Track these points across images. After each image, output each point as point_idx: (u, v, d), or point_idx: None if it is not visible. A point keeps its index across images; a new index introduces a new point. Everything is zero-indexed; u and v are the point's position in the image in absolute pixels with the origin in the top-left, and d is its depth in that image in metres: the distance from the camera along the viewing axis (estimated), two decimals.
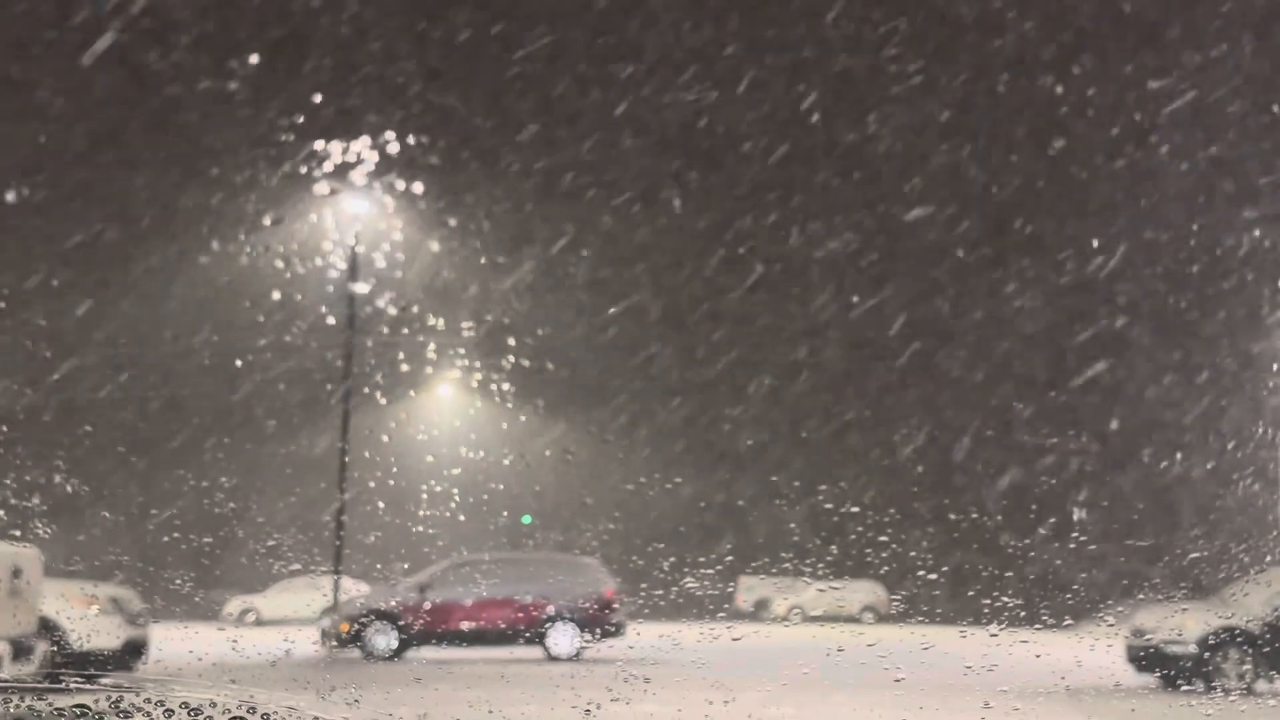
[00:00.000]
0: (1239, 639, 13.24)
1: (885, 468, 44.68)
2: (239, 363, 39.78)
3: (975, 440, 40.93)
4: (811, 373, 45.60)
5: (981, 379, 41.20)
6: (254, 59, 36.36)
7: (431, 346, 42.63)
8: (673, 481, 46.46)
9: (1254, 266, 28.80)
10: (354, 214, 22.61)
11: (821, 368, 45.49)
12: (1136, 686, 13.92)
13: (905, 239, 41.35)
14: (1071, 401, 38.31)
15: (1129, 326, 36.30)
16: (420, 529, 40.49)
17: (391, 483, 41.45)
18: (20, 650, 8.68)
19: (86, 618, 11.74)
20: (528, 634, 17.66)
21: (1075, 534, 39.12)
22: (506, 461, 44.22)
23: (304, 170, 35.12)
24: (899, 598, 41.11)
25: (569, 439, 45.31)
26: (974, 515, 41.90)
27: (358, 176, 23.93)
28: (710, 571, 48.52)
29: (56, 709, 4.87)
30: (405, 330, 41.68)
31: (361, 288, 22.91)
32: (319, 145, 37.69)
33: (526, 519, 44.99)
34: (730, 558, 47.16)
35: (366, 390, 32.89)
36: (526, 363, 44.17)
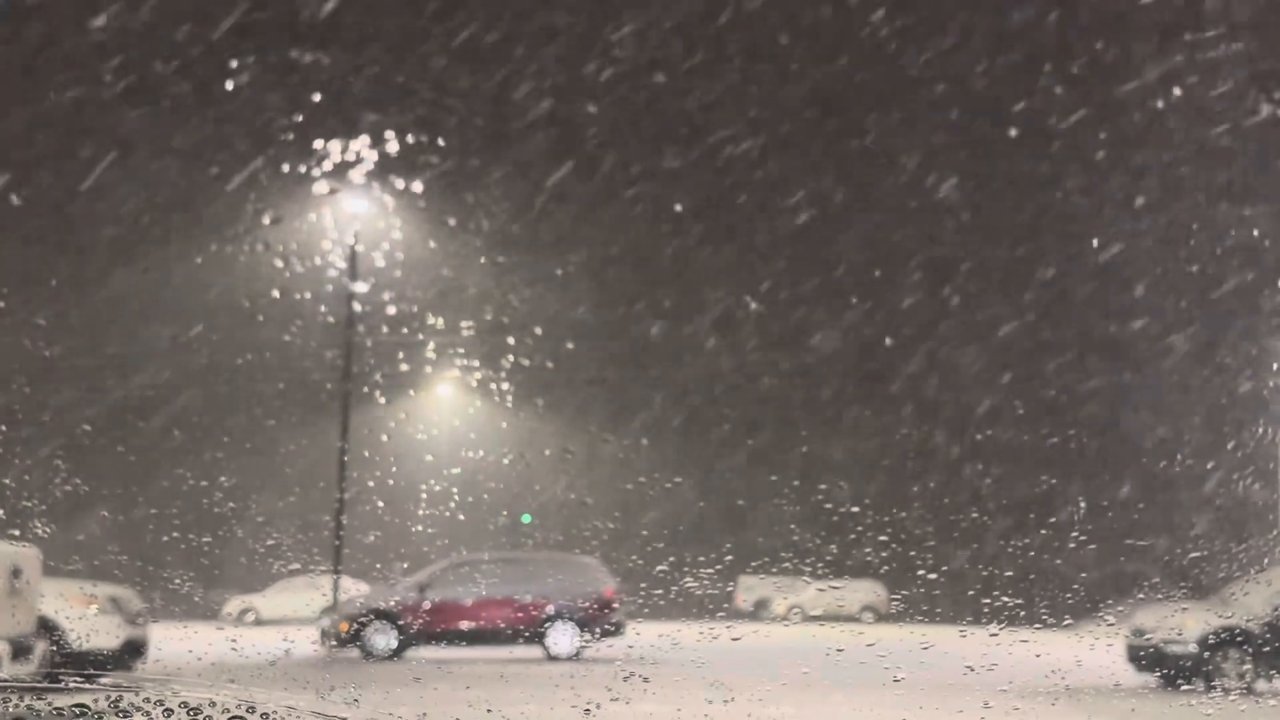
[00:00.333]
0: (1239, 638, 13.24)
1: (886, 467, 44.71)
2: (238, 362, 39.79)
3: (975, 439, 40.96)
4: (812, 372, 45.61)
5: (981, 379, 41.21)
6: (253, 57, 36.35)
7: (431, 346, 42.63)
8: (672, 481, 46.45)
9: (1254, 265, 28.80)
10: (353, 213, 22.61)
11: (822, 367, 45.50)
12: (1136, 686, 13.92)
13: (907, 235, 41.35)
14: (1071, 401, 38.32)
15: (1129, 326, 36.31)
16: (420, 529, 40.45)
17: (391, 482, 41.43)
18: (19, 650, 8.67)
19: (86, 617, 11.73)
20: (527, 633, 17.66)
21: (1075, 534, 39.13)
22: (506, 461, 44.20)
23: (303, 169, 35.12)
24: (899, 597, 41.13)
25: (569, 439, 45.33)
26: (974, 515, 41.91)
27: (357, 176, 23.91)
28: (710, 571, 48.46)
29: (56, 708, 4.87)
30: (405, 330, 41.67)
31: (360, 287, 22.92)
32: (318, 144, 37.66)
33: (526, 519, 44.99)
34: (730, 558, 47.12)
35: (366, 390, 32.88)
36: (526, 362, 44.18)
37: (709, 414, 46.26)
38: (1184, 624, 13.47)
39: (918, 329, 43.50)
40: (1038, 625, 37.60)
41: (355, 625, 17.45)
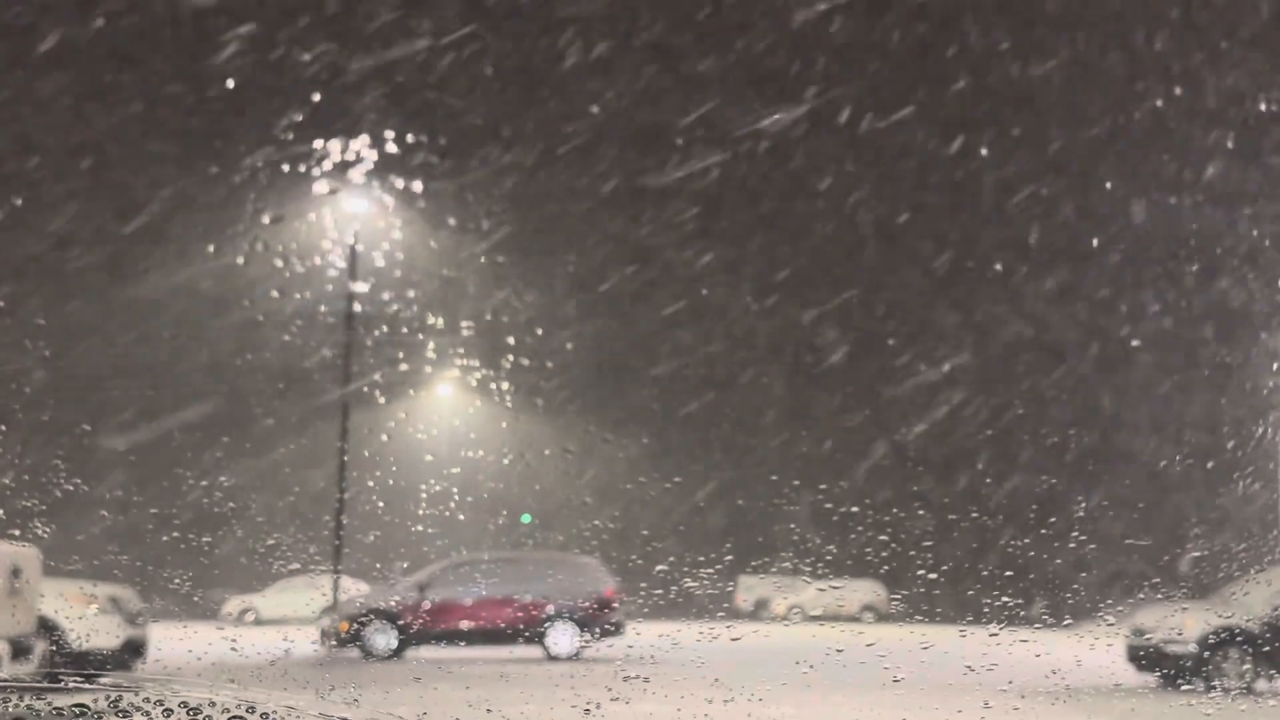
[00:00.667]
0: (1239, 638, 13.24)
1: (885, 467, 44.70)
2: (238, 361, 39.78)
3: (975, 439, 40.96)
4: (812, 372, 45.61)
5: (981, 379, 41.21)
6: (254, 56, 36.34)
7: (431, 346, 42.63)
8: (672, 481, 46.46)
9: (1253, 264, 28.80)
10: (353, 213, 22.60)
11: (822, 367, 45.50)
12: (1136, 686, 13.92)
13: (907, 238, 41.36)
14: (1071, 400, 38.31)
15: (1128, 325, 36.31)
16: (420, 529, 40.51)
17: (391, 482, 41.47)
18: (19, 650, 8.66)
19: (85, 617, 11.73)
20: (527, 633, 17.66)
21: (1075, 534, 39.12)
22: (506, 461, 44.21)
23: (303, 169, 35.13)
24: (899, 597, 41.13)
25: (568, 438, 45.31)
26: (974, 514, 41.90)
27: (357, 175, 23.93)
28: (710, 571, 48.47)
29: (55, 708, 4.87)
30: (405, 329, 41.68)
31: (360, 286, 22.91)
32: (318, 144, 37.67)
33: (526, 519, 44.99)
34: (730, 558, 47.18)
35: (366, 389, 32.88)
36: (526, 362, 44.18)
37: (709, 414, 46.25)
38: (1184, 624, 13.47)
39: (919, 329, 43.51)
40: (1038, 625, 37.55)
41: (355, 625, 17.44)
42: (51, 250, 37.63)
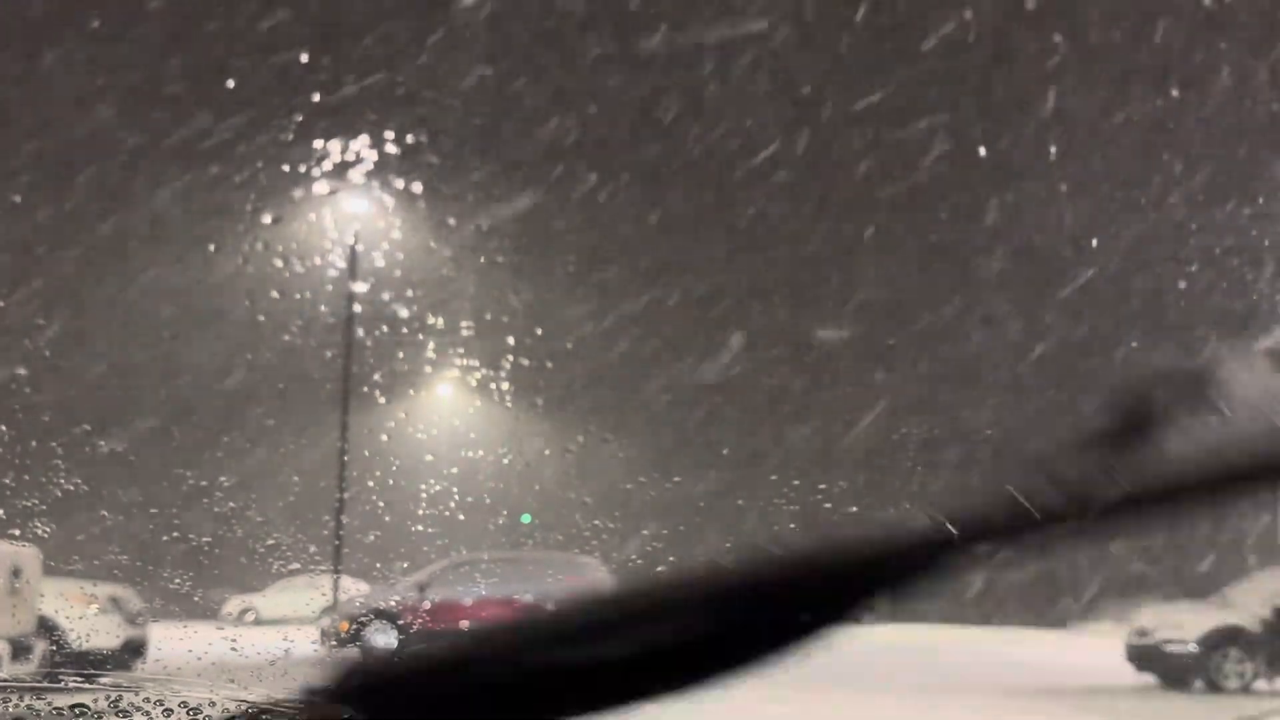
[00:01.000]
0: (1238, 638, 13.25)
1: (885, 467, 44.73)
2: (238, 361, 39.79)
3: (974, 438, 40.98)
4: (812, 373, 45.63)
5: (979, 379, 41.24)
6: (254, 56, 36.37)
7: (431, 346, 42.64)
8: (672, 481, 46.48)
9: (1252, 263, 28.82)
10: (353, 213, 22.59)
11: (822, 368, 45.54)
12: (1137, 686, 13.92)
13: (910, 240, 41.38)
14: (1070, 400, 38.33)
15: (1127, 325, 36.33)
16: (420, 529, 40.55)
17: (391, 482, 41.51)
18: (19, 649, 8.65)
19: (85, 617, 11.71)
20: None
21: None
22: (506, 461, 44.25)
23: (303, 169, 35.12)
24: (895, 597, 41.11)
25: (568, 437, 45.34)
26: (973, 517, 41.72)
27: (357, 176, 23.94)
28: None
29: (55, 708, 4.86)
30: (405, 330, 41.71)
31: (360, 287, 22.91)
32: (318, 144, 37.66)
33: (526, 518, 45.01)
34: (730, 556, 47.01)
35: (366, 389, 32.90)
36: (526, 362, 44.19)
37: (710, 413, 46.28)
38: (1184, 624, 13.47)
39: (920, 329, 43.52)
40: (1038, 625, 37.68)
41: (355, 625, 17.42)
42: (50, 249, 37.62)
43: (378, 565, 35.62)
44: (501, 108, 42.25)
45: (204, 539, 41.75)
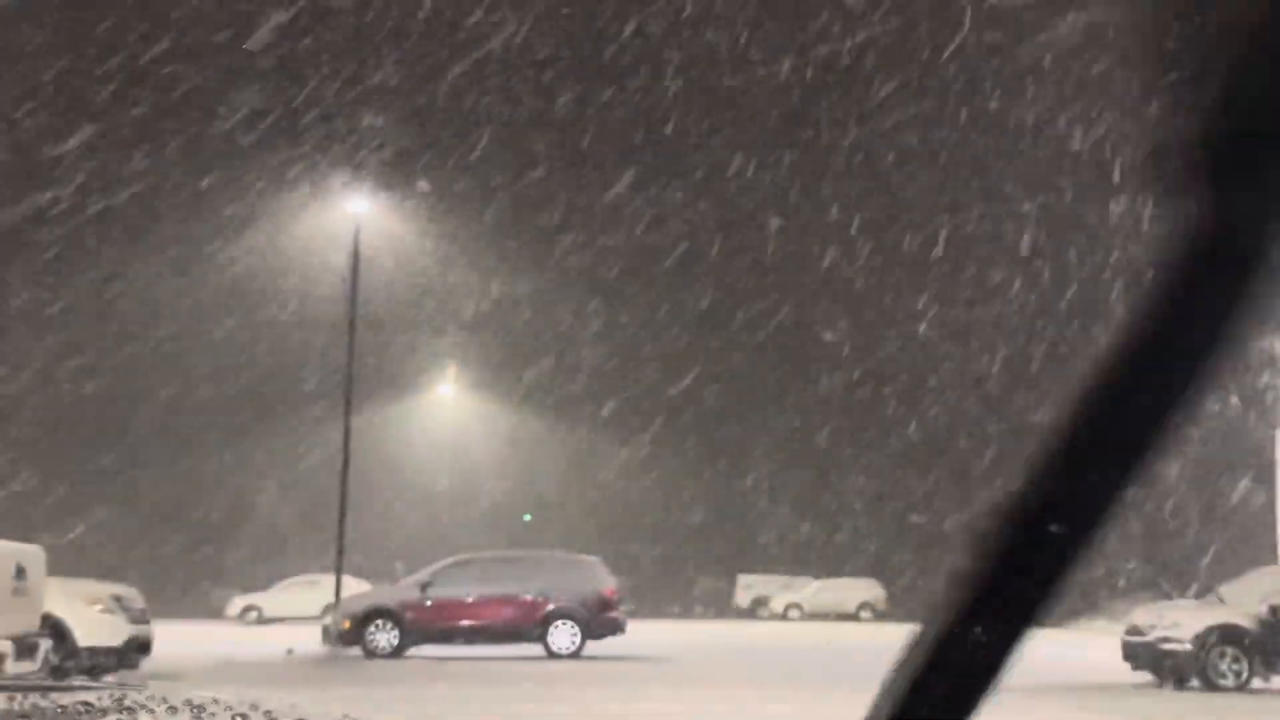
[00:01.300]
0: (1234, 636, 13.30)
1: (886, 466, 44.76)
2: (240, 362, 39.88)
3: (974, 439, 41.04)
4: (813, 374, 45.68)
5: (978, 380, 41.32)
6: (255, 56, 36.43)
7: (432, 346, 42.73)
8: (673, 481, 46.53)
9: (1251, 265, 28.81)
10: (355, 214, 22.65)
11: (823, 370, 45.58)
12: (1133, 684, 13.98)
13: (919, 250, 41.40)
14: (1070, 402, 38.36)
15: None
16: (420, 529, 40.66)
17: (391, 483, 41.59)
18: (25, 649, 8.73)
19: (90, 616, 11.80)
20: (528, 632, 17.71)
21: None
22: (507, 460, 44.34)
23: (305, 170, 35.20)
24: (897, 595, 41.24)
25: (569, 439, 45.41)
26: (973, 514, 41.96)
27: (358, 176, 24.05)
28: (710, 571, 48.54)
29: (61, 706, 4.96)
30: (406, 330, 41.80)
31: (362, 287, 22.96)
32: (320, 145, 37.73)
33: (527, 518, 45.09)
34: (730, 557, 47.28)
35: (367, 389, 32.96)
36: (527, 363, 44.27)
37: (710, 413, 46.33)
38: (1180, 622, 13.53)
39: (920, 330, 43.55)
40: (1037, 625, 37.36)
41: (357, 623, 17.50)
42: (55, 251, 37.67)
43: (379, 565, 35.72)
44: (507, 109, 42.32)
45: (208, 539, 41.80)
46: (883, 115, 39.06)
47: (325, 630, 19.00)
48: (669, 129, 42.99)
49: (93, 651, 11.57)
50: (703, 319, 45.37)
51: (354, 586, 25.20)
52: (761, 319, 44.30)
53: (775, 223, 43.02)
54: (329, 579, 25.35)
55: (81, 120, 34.99)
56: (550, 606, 17.80)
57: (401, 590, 18.40)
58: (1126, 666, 14.14)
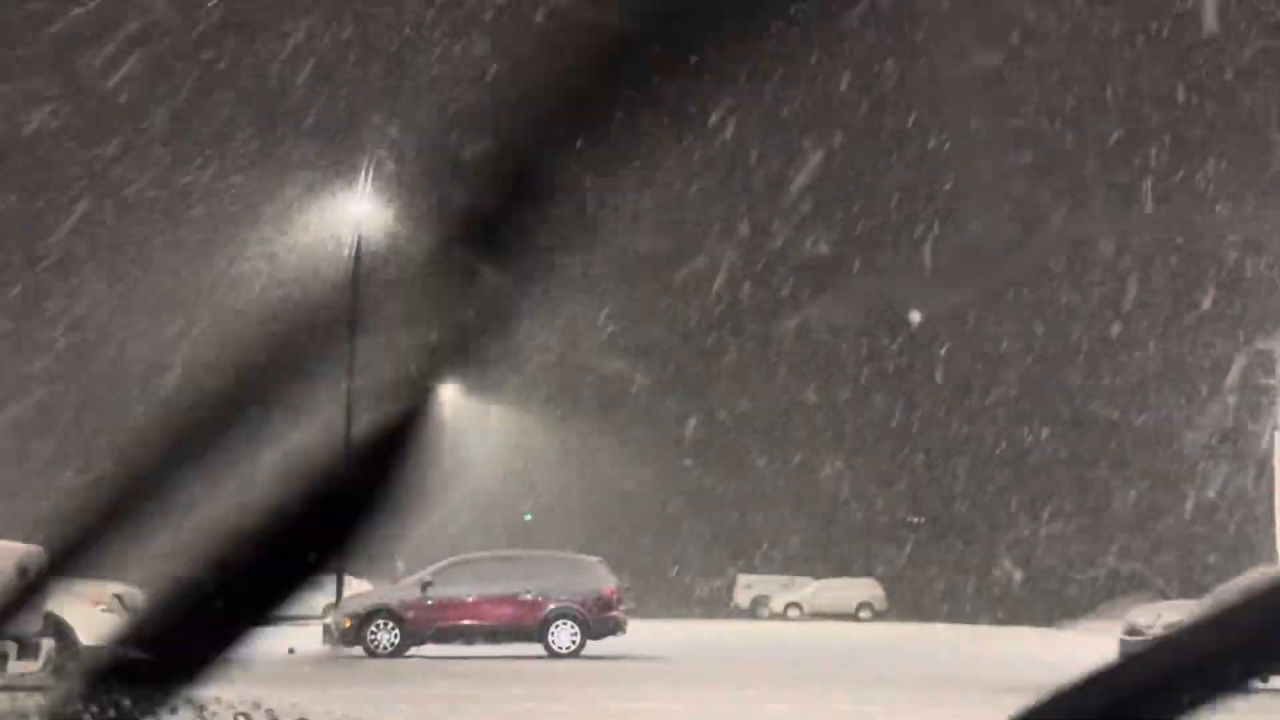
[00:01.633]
0: None
1: (886, 467, 44.78)
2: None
3: (974, 440, 41.04)
4: (813, 377, 45.70)
5: (978, 382, 41.34)
6: (258, 57, 36.46)
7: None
8: (673, 481, 46.55)
9: (1250, 269, 28.88)
10: (356, 214, 22.68)
11: (823, 372, 45.61)
12: None
13: (924, 258, 41.46)
14: (1070, 402, 38.39)
15: (1127, 329, 36.37)
16: (420, 528, 40.59)
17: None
18: (26, 648, 8.77)
19: (92, 615, 11.84)
20: (529, 631, 17.75)
21: (1070, 534, 39.21)
22: (506, 461, 44.39)
23: (306, 170, 35.23)
24: (896, 595, 41.29)
25: (569, 439, 45.45)
26: (974, 515, 41.96)
27: (360, 177, 24.06)
28: (710, 571, 48.54)
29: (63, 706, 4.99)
30: (406, 330, 41.78)
31: (362, 287, 22.98)
32: (321, 146, 37.76)
33: (527, 517, 45.15)
34: (730, 557, 47.30)
35: (367, 390, 32.98)
36: (528, 363, 44.29)
37: (709, 414, 46.36)
38: (1177, 622, 13.56)
39: (922, 331, 43.56)
40: (1037, 625, 37.61)
41: (358, 623, 17.53)
42: (58, 251, 37.73)
43: (380, 564, 35.72)
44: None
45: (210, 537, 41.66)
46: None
47: (326, 630, 19.05)
48: (676, 127, 42.91)
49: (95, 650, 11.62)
50: (703, 320, 45.40)
51: (355, 586, 25.24)
52: (762, 320, 44.34)
53: (769, 227, 43.11)
54: (330, 579, 25.38)
55: (81, 122, 35.03)
56: (551, 606, 17.84)
57: (402, 590, 18.43)
58: None
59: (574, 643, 17.67)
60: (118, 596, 12.16)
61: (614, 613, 18.17)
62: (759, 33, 0.75)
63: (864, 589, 39.88)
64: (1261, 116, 29.66)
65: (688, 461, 46.35)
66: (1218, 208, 30.64)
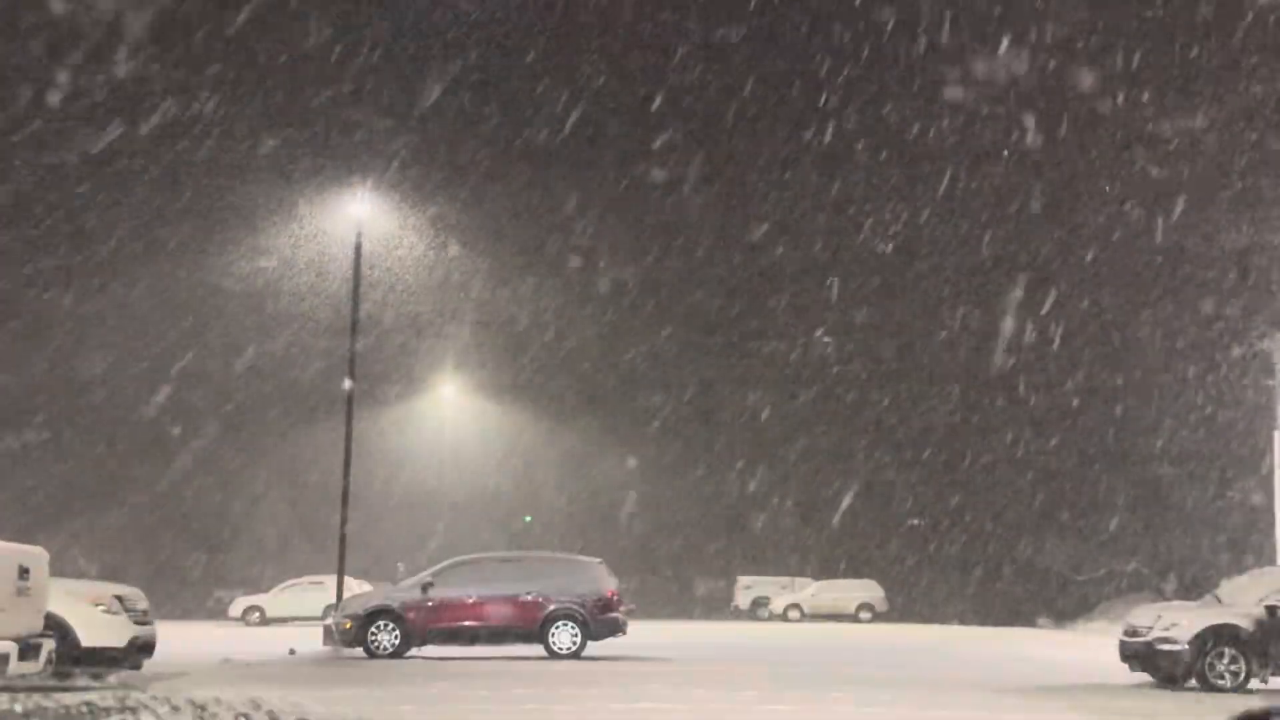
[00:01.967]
0: (1231, 638, 13.35)
1: (885, 468, 44.77)
2: (243, 363, 39.94)
3: (974, 442, 41.06)
4: (814, 378, 45.71)
5: (978, 383, 41.36)
6: (260, 58, 36.48)
7: (434, 348, 42.78)
8: (674, 482, 46.55)
9: (1248, 272, 28.90)
10: (357, 215, 22.69)
11: (823, 374, 45.63)
12: (1130, 684, 14.03)
13: (929, 266, 41.43)
14: (1070, 403, 38.40)
15: (1126, 332, 36.38)
16: (421, 529, 40.70)
17: (392, 483, 41.64)
18: (28, 649, 8.79)
19: (93, 616, 11.86)
20: (529, 632, 17.76)
21: (1070, 535, 39.21)
22: (506, 461, 44.40)
23: (308, 172, 35.24)
24: (896, 596, 41.28)
25: (569, 439, 45.45)
26: (974, 516, 41.95)
27: (361, 178, 24.09)
28: (711, 572, 48.51)
29: (64, 706, 4.99)
30: (408, 332, 41.86)
31: (364, 289, 23.01)
32: (323, 147, 37.76)
33: (528, 519, 45.15)
34: (730, 557, 47.27)
35: (368, 390, 33.03)
36: (529, 365, 44.33)
37: (710, 415, 46.38)
38: (1177, 623, 13.57)
39: (922, 332, 43.54)
40: (1038, 625, 37.62)
41: (359, 624, 17.55)
42: (60, 252, 37.73)
43: (380, 565, 35.75)
44: (511, 111, 42.37)
45: (210, 539, 41.80)
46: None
47: (327, 631, 19.06)
48: (674, 128, 43.07)
49: (96, 652, 11.62)
50: (702, 321, 45.41)
51: (356, 587, 25.26)
52: (762, 322, 44.34)
53: (763, 229, 43.18)
54: (331, 580, 25.42)
55: (80, 124, 35.07)
56: (551, 607, 17.84)
57: (403, 591, 18.44)
58: (1125, 667, 14.19)
59: (574, 644, 17.69)
60: (119, 598, 12.19)
61: (614, 614, 18.18)
62: None
63: (864, 590, 39.87)
64: None
65: (686, 462, 46.39)
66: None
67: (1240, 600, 13.84)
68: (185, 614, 34.45)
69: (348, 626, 17.73)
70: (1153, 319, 34.36)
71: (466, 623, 17.70)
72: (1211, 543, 32.92)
